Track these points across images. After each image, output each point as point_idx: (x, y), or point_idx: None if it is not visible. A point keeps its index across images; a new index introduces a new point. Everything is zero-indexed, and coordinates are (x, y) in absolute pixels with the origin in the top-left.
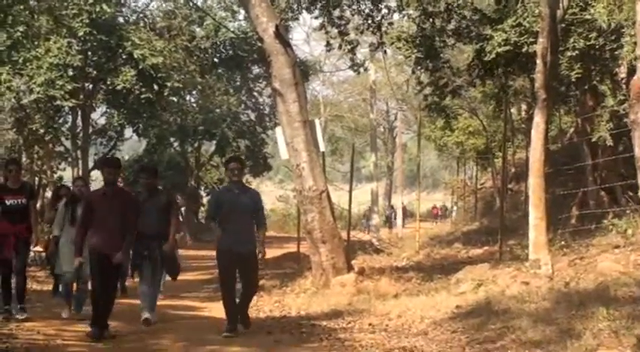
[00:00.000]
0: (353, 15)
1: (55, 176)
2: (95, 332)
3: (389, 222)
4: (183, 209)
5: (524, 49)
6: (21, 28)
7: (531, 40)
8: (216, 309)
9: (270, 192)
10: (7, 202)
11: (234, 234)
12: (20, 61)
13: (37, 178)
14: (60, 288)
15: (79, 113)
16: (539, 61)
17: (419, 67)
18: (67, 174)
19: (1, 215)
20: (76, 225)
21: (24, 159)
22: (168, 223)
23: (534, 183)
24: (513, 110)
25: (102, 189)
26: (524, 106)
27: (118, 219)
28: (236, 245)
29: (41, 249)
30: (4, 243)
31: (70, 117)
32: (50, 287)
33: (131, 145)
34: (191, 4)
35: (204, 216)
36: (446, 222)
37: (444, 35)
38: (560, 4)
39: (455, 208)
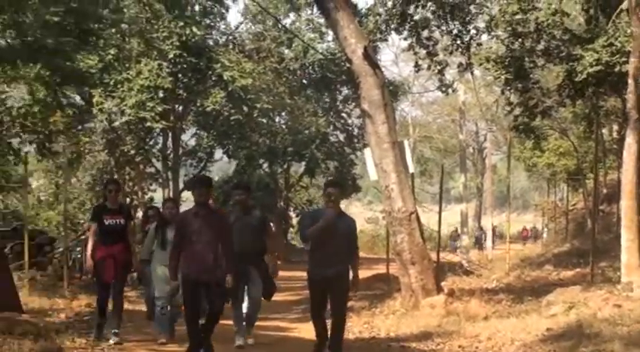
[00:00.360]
0: (442, 36)
1: (146, 197)
2: None
3: (478, 243)
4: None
5: (615, 69)
6: (112, 51)
7: (623, 59)
8: (305, 330)
9: (359, 214)
10: (106, 222)
11: (328, 258)
12: (112, 83)
13: (128, 199)
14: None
15: (170, 134)
16: (630, 81)
17: (508, 88)
18: (158, 195)
19: (99, 236)
20: (170, 248)
21: None
22: (263, 241)
23: (626, 205)
24: (605, 131)
25: (193, 208)
26: (615, 127)
27: (211, 239)
28: (329, 269)
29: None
30: (104, 266)
31: (160, 138)
32: (142, 307)
33: (221, 166)
34: (280, 26)
35: (297, 236)
36: (536, 243)
37: (534, 55)
38: None
39: (545, 230)
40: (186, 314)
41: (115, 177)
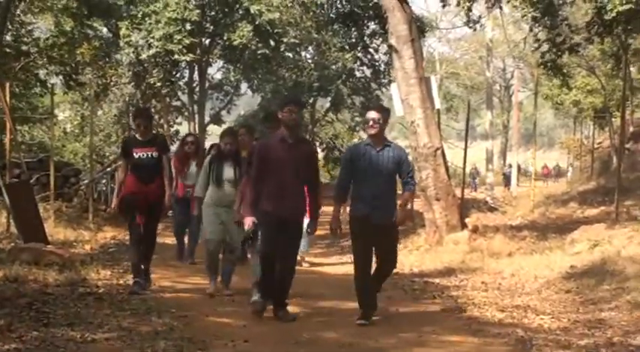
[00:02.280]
0: None
1: (172, 130)
2: (259, 305)
3: (507, 180)
4: None
5: None
6: None
7: None
8: (326, 266)
9: None
10: (136, 155)
11: (372, 200)
12: (139, 15)
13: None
14: (185, 252)
15: (196, 68)
16: None
17: (536, 25)
18: (184, 128)
19: (130, 171)
20: (251, 178)
21: None
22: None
23: None
24: (633, 69)
25: (279, 134)
26: None
27: (298, 172)
28: (375, 213)
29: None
30: (133, 203)
31: (187, 71)
32: (167, 239)
33: (247, 101)
34: None
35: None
36: (558, 181)
37: None
38: None
39: (570, 168)
40: (261, 257)
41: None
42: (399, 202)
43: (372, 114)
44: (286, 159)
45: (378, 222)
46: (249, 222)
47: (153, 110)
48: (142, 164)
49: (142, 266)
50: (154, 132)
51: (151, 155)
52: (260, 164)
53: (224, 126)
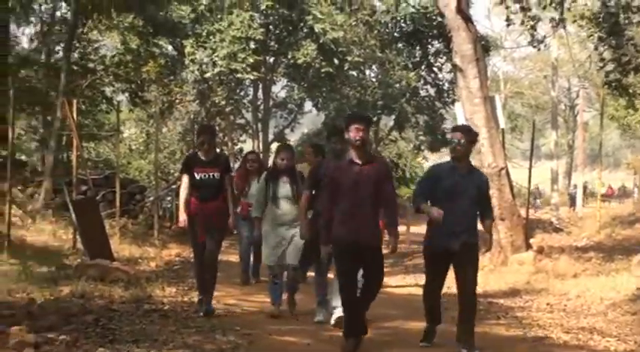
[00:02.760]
0: None
1: (236, 148)
2: (350, 346)
3: (572, 200)
4: None
5: None
6: (205, 2)
7: None
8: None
9: None
10: (197, 176)
11: (450, 225)
12: (204, 33)
13: (218, 150)
14: (251, 271)
15: (260, 86)
16: None
17: (602, 44)
18: (247, 146)
19: (192, 191)
20: (323, 201)
21: None
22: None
23: None
24: None
25: (347, 157)
26: None
27: (372, 193)
28: (453, 238)
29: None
30: (196, 224)
31: (251, 89)
32: (231, 256)
33: (311, 119)
34: None
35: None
36: (624, 202)
37: (629, 12)
38: None
39: (636, 189)
40: (342, 288)
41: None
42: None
43: (456, 136)
44: (357, 183)
45: (459, 250)
46: (325, 251)
47: (217, 128)
48: (204, 185)
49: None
50: (217, 150)
51: (213, 176)
52: (331, 189)
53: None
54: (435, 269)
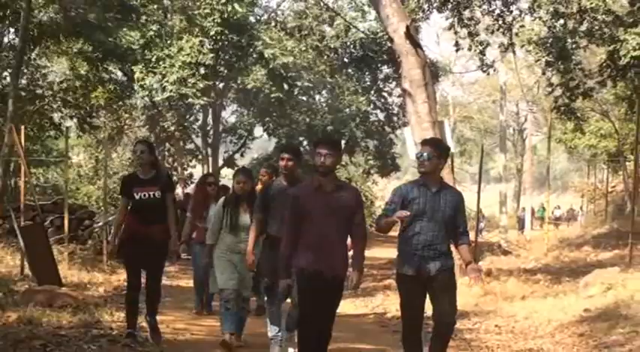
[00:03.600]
0: (483, 15)
1: (186, 173)
2: None
3: (520, 224)
4: None
5: None
6: (154, 27)
7: None
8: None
9: None
10: (137, 195)
11: (424, 249)
12: (153, 59)
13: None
14: (211, 303)
15: (210, 111)
16: None
17: (549, 69)
18: (197, 171)
19: (130, 213)
20: (285, 231)
21: None
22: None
23: None
24: None
25: (314, 180)
26: None
27: (341, 222)
28: (428, 261)
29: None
30: (132, 248)
31: (200, 115)
32: (181, 281)
33: (260, 144)
34: (322, 4)
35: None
36: (571, 225)
37: (576, 36)
38: None
39: (580, 212)
40: (301, 319)
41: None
42: (462, 258)
43: (425, 150)
44: (326, 212)
45: (428, 275)
46: (283, 284)
47: (167, 153)
48: (144, 205)
49: (147, 315)
50: (156, 168)
51: (154, 195)
52: (294, 217)
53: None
54: (411, 300)
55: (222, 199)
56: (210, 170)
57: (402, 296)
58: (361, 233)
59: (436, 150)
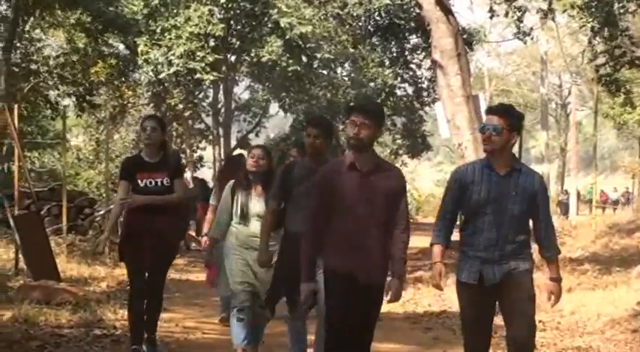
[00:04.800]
0: None
1: (195, 155)
2: None
3: (563, 208)
4: None
5: None
6: None
7: None
8: None
9: (428, 175)
10: (141, 183)
11: (487, 251)
12: (158, 31)
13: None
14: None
15: (221, 87)
16: None
17: (595, 36)
18: (208, 154)
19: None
20: (308, 223)
21: None
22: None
23: None
24: None
25: (347, 157)
26: None
27: (379, 213)
28: (493, 266)
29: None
30: (139, 245)
31: (211, 91)
32: (191, 275)
33: (276, 123)
34: None
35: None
36: (623, 208)
37: (624, 0)
38: None
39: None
40: (328, 332)
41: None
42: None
43: (490, 121)
44: (362, 197)
45: (493, 283)
46: (306, 290)
47: (174, 134)
48: (149, 195)
49: (145, 331)
50: (165, 150)
51: (162, 182)
52: (319, 204)
53: None
54: (473, 315)
55: (231, 182)
56: (222, 152)
57: (462, 310)
58: (403, 226)
59: (506, 119)
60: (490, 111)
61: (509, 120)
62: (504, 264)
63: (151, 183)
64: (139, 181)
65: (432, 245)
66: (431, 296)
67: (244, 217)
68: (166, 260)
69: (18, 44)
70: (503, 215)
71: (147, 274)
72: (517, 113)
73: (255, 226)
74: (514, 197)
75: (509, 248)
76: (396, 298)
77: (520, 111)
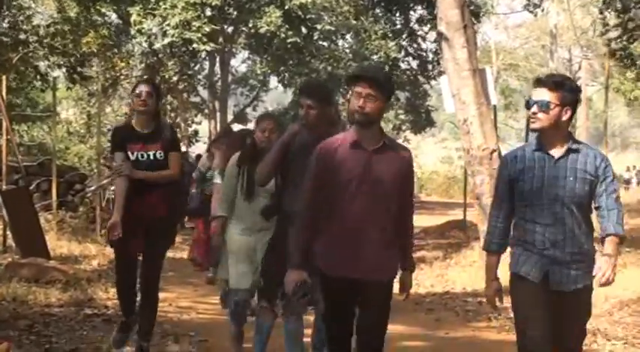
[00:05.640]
0: None
1: (190, 129)
2: None
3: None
4: None
5: None
6: None
7: None
8: None
9: (432, 152)
10: (133, 155)
11: (545, 246)
12: None
13: None
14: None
15: (218, 59)
16: None
17: (607, 8)
18: (204, 128)
19: (125, 179)
20: (303, 205)
21: None
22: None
23: None
24: None
25: (350, 133)
26: None
27: (388, 199)
28: (554, 266)
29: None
30: (130, 230)
31: (207, 63)
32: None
33: (275, 97)
34: None
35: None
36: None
37: None
38: None
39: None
40: (329, 335)
41: None
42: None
43: (537, 94)
44: (366, 179)
45: (561, 288)
46: (294, 279)
47: (168, 107)
48: (142, 168)
49: (138, 337)
50: (157, 121)
51: (155, 155)
52: (316, 186)
53: (250, 126)
54: (531, 313)
55: (236, 155)
56: (218, 126)
57: (516, 308)
58: (410, 213)
59: (557, 93)
60: (539, 83)
61: (561, 93)
62: (578, 269)
63: (142, 156)
64: (130, 154)
65: (486, 251)
66: (433, 277)
67: (250, 194)
68: (161, 248)
69: (6, 12)
70: (562, 205)
71: (142, 261)
72: (571, 85)
73: (262, 204)
74: (573, 183)
75: (574, 248)
76: (406, 294)
77: (576, 84)
